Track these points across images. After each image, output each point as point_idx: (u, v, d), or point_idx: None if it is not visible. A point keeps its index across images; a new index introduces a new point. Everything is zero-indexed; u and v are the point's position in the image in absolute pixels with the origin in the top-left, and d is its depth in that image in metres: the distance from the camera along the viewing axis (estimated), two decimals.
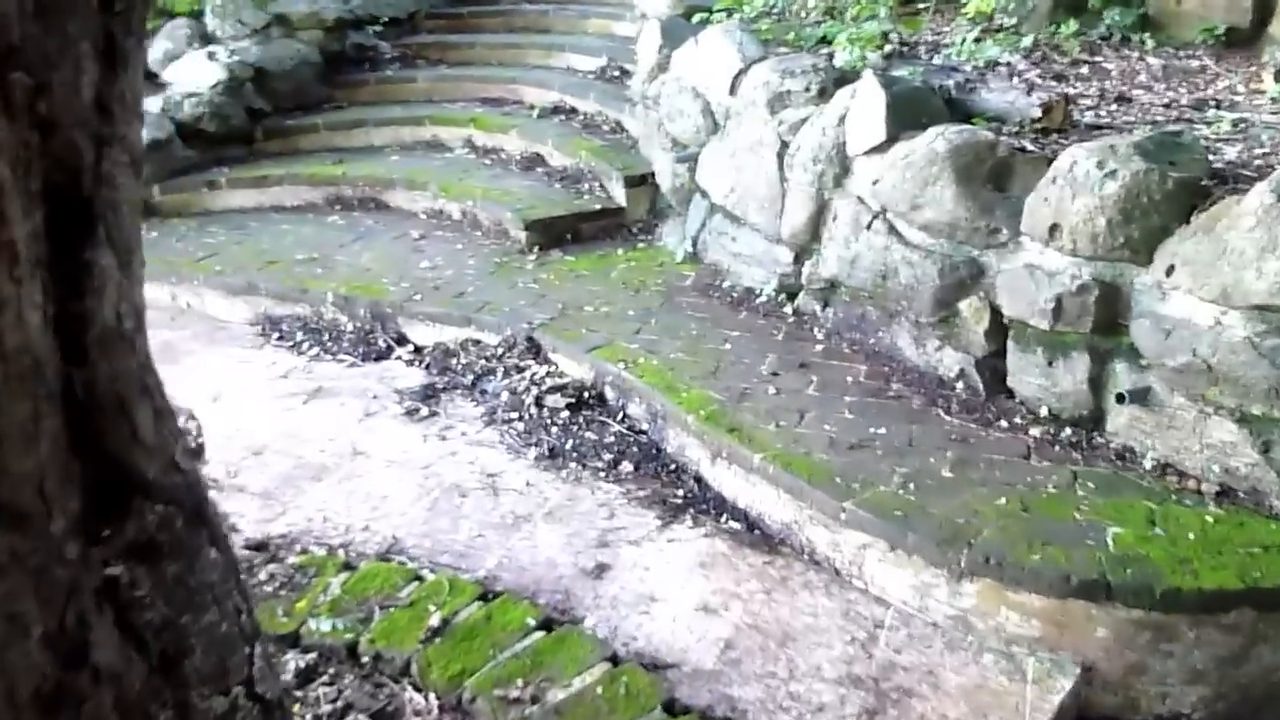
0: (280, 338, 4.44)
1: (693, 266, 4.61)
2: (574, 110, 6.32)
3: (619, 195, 5.27)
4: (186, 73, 6.04)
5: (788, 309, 4.08)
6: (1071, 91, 3.95)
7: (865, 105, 3.66)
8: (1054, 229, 3.04)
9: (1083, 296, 2.98)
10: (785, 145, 4.07)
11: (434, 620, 2.49)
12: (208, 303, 4.77)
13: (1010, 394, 3.28)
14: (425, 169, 5.84)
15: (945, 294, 3.35)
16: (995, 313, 3.26)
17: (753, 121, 4.28)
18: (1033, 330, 3.14)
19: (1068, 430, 3.07)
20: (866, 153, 3.67)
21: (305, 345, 4.34)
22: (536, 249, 4.95)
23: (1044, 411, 3.15)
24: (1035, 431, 3.11)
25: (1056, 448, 3.03)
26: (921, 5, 5.73)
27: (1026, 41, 4.55)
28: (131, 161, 0.97)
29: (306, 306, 4.55)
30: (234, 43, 6.34)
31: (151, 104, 5.81)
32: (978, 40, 4.60)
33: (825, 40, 5.44)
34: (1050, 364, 3.10)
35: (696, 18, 5.77)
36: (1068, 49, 4.50)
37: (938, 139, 3.35)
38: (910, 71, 4.06)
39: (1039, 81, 4.11)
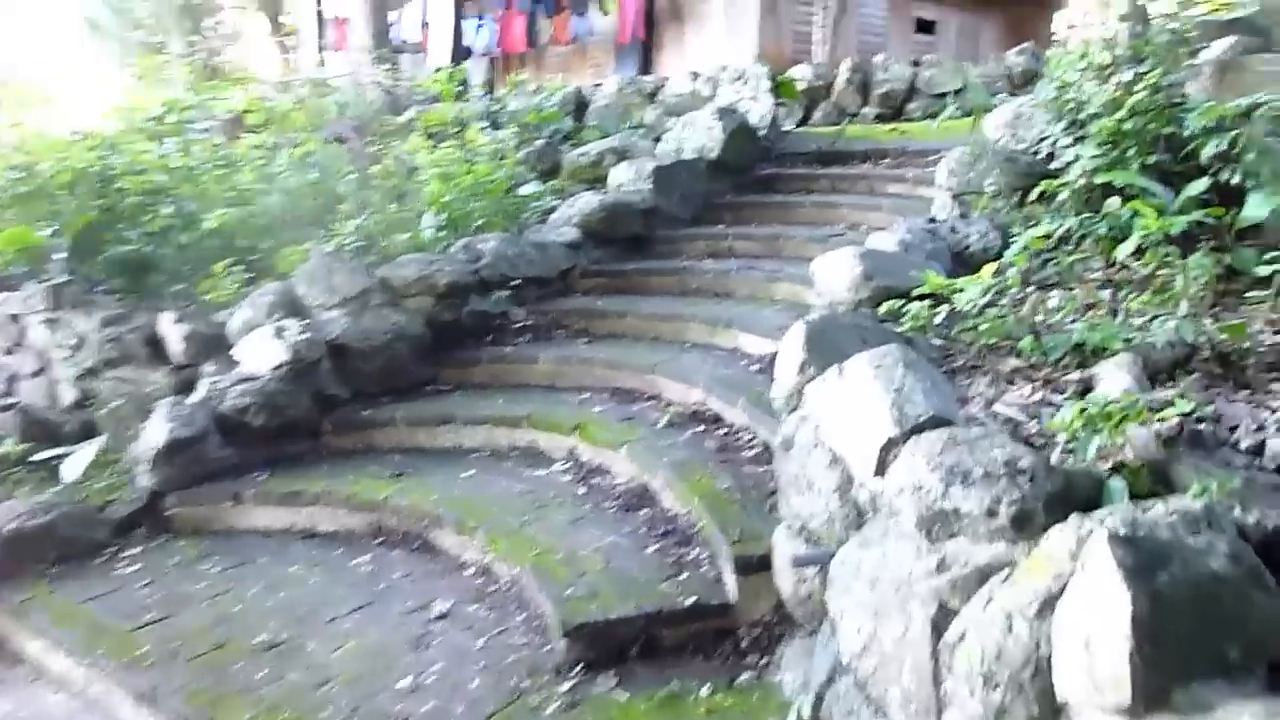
0: None
1: None
2: (716, 420, 4.80)
3: (729, 582, 3.59)
4: (250, 351, 5.21)
5: None
6: None
7: (1097, 599, 1.80)
8: None
9: None
10: (944, 614, 2.24)
11: None
12: (114, 702, 3.54)
13: None
14: (491, 499, 4.48)
15: None
16: None
17: (899, 541, 2.50)
18: None
19: None
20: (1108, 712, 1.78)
21: None
22: (579, 670, 3.35)
23: None
24: None
25: None
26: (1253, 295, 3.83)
27: None
28: None
29: None
30: (324, 313, 5.50)
31: (198, 391, 4.99)
32: None
33: (1083, 351, 3.67)
34: None
35: (886, 307, 4.17)
36: None
37: None
38: (1208, 493, 2.14)
39: None
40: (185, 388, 5.58)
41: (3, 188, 6.54)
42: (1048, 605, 1.95)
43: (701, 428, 4.78)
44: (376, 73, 12.20)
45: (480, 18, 18.06)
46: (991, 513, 2.23)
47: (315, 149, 7.38)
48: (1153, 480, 2.36)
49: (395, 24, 18.02)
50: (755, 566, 3.53)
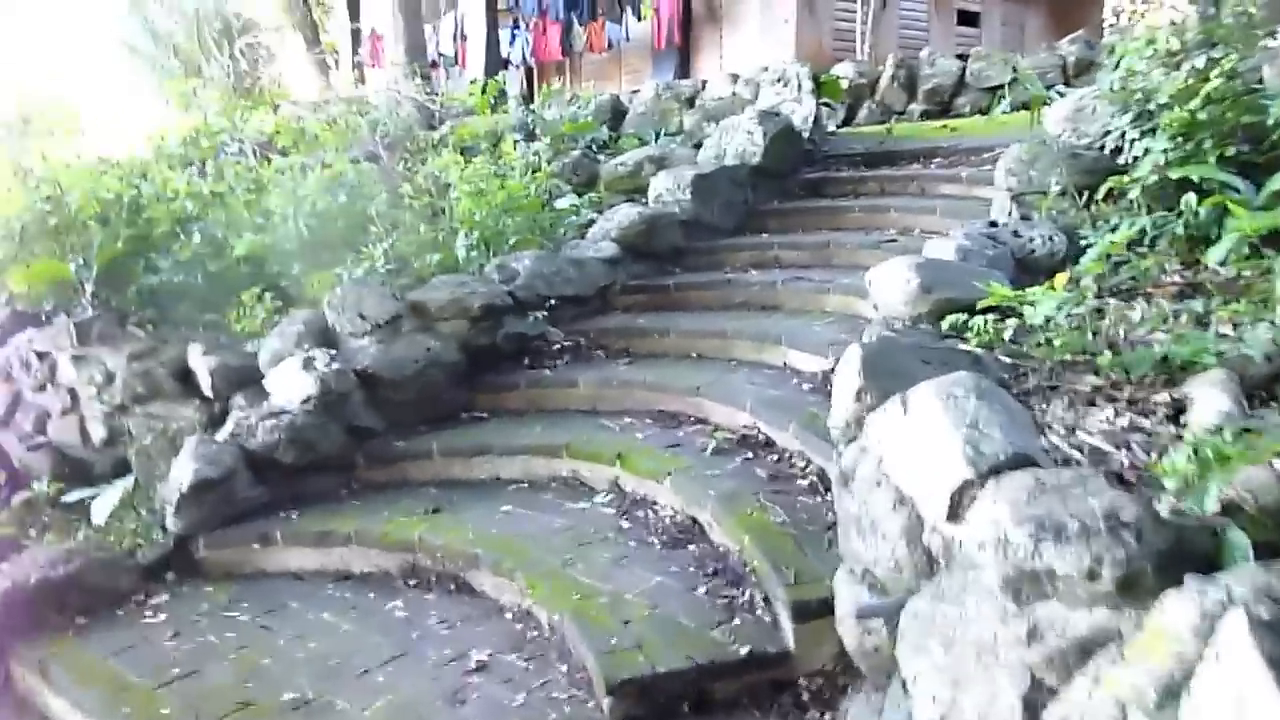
0: None
1: None
2: (767, 444, 4.54)
3: (786, 629, 3.33)
4: (279, 384, 5.04)
5: None
6: None
7: (1239, 706, 1.51)
8: None
9: None
10: (1038, 690, 1.97)
11: None
12: None
13: None
14: (530, 536, 4.26)
15: None
16: None
17: (980, 599, 2.22)
18: None
19: None
20: None
21: None
22: None
23: None
24: None
25: None
26: None
27: None
28: None
29: None
30: (354, 341, 5.31)
31: (226, 427, 4.83)
32: None
33: (1169, 366, 3.37)
34: None
35: (948, 321, 3.88)
36: None
37: None
38: None
39: None
40: (216, 422, 5.43)
41: (32, 220, 6.46)
42: (1169, 695, 1.66)
43: (751, 454, 4.51)
44: (410, 88, 12.09)
45: (515, 28, 17.94)
46: (1092, 575, 1.94)
47: (345, 169, 7.22)
48: (1276, 527, 2.06)
49: (432, 38, 17.98)
50: (814, 612, 3.26)
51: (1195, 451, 2.03)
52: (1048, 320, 3.60)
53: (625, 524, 4.33)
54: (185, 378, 5.65)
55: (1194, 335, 3.44)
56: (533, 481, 4.89)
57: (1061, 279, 3.70)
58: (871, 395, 3.21)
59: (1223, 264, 4.62)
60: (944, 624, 2.42)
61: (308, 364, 5.00)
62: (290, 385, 5.01)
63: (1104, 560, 1.94)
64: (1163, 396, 3.20)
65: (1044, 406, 3.33)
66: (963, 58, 11.70)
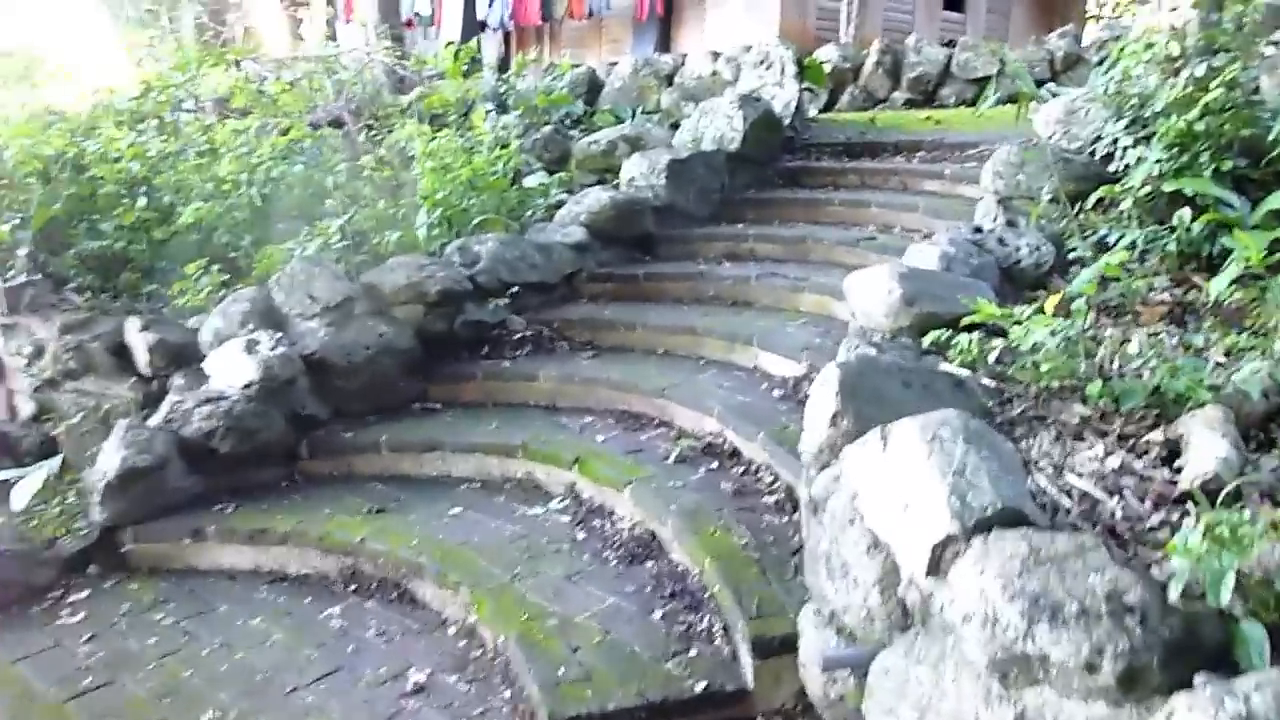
0: None
1: None
2: (733, 455, 4.32)
3: (746, 663, 3.13)
4: (220, 366, 4.74)
5: None
6: None
7: None
8: None
9: None
10: None
11: None
12: None
13: None
14: (479, 544, 4.03)
15: None
16: None
17: (961, 671, 2.02)
18: None
19: None
20: None
21: None
22: None
23: None
24: None
25: None
26: None
27: None
28: None
29: None
30: (302, 323, 5.02)
31: (160, 411, 4.54)
32: None
33: (1162, 398, 3.21)
34: None
35: (931, 337, 3.68)
36: None
37: None
38: None
39: None
40: (154, 401, 5.13)
41: None
42: None
43: (716, 464, 4.29)
44: (381, 49, 11.64)
45: None
46: (1091, 666, 1.74)
47: (303, 135, 6.87)
48: None
49: None
50: (776, 648, 3.07)
51: (1209, 530, 1.82)
52: (1035, 345, 3.40)
53: (581, 534, 4.10)
54: (121, 353, 5.32)
55: (1188, 366, 3.25)
56: (485, 481, 4.65)
57: (1053, 301, 3.50)
58: (848, 420, 3.00)
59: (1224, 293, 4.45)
60: (918, 690, 2.23)
61: (251, 347, 4.71)
62: (232, 369, 4.72)
63: (1105, 650, 1.74)
64: (1157, 436, 3.02)
65: (1030, 441, 3.15)
66: (949, 44, 11.47)
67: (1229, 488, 2.42)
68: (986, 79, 10.28)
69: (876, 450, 2.65)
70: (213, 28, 12.64)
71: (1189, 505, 2.51)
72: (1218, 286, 3.39)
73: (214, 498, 4.56)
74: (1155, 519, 2.63)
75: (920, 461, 2.42)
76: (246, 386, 4.63)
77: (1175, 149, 4.72)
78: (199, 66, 8.27)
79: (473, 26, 16.75)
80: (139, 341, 5.19)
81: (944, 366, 3.58)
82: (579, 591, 3.64)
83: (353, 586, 4.10)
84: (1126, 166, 5.03)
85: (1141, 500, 2.77)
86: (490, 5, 17.43)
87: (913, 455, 2.46)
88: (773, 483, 4.04)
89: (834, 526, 2.77)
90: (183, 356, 5.18)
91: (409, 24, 17.19)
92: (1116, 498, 2.72)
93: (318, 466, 4.82)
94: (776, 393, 4.70)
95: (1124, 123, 5.16)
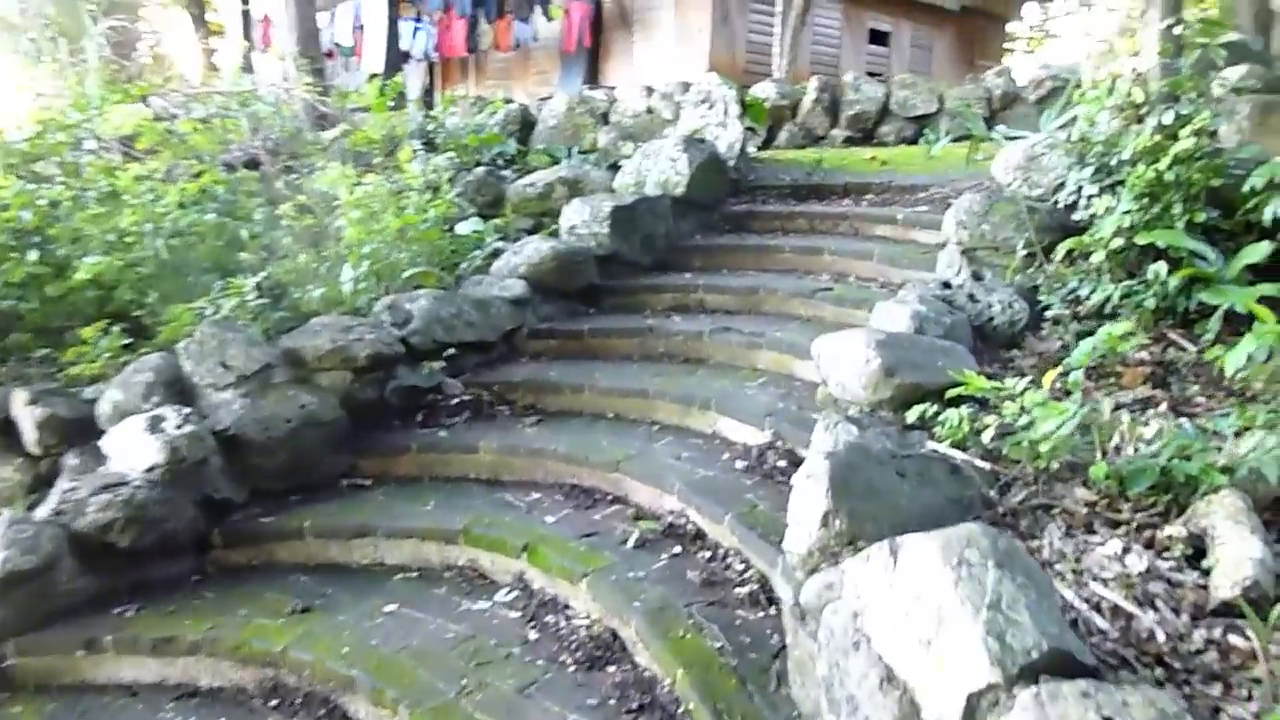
0: None
1: None
2: (698, 538, 3.98)
3: None
4: (120, 446, 4.24)
5: None
6: None
7: None
8: None
9: None
10: None
11: None
12: None
13: None
14: (418, 649, 3.60)
15: None
16: None
17: None
18: None
19: None
20: None
21: None
22: None
23: None
24: None
25: None
26: None
27: None
28: None
29: None
30: (215, 394, 4.55)
31: (48, 502, 4.03)
32: None
33: (1169, 480, 2.97)
34: None
35: (915, 412, 3.40)
36: None
37: None
38: None
39: None
40: (43, 483, 4.61)
41: None
42: None
43: (679, 549, 3.93)
44: (300, 81, 11.13)
45: (418, 20, 17.05)
46: None
47: (216, 180, 6.38)
48: None
49: (327, 26, 16.93)
50: None
51: None
52: (1031, 423, 3.13)
53: (533, 634, 3.70)
54: (7, 429, 4.77)
55: (1197, 446, 3.01)
56: (423, 570, 4.21)
57: (1050, 376, 3.24)
58: (841, 521, 2.69)
59: (1193, 341, 4.27)
60: None
61: (155, 424, 4.22)
62: (133, 449, 4.22)
63: None
64: (1177, 530, 2.76)
65: (1038, 533, 2.86)
66: (875, 75, 11.40)
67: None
68: (926, 117, 10.21)
69: (884, 567, 2.33)
70: (118, 61, 11.96)
71: (1232, 618, 2.25)
72: (1234, 363, 3.15)
73: (112, 599, 4.05)
74: (1198, 636, 2.36)
75: (945, 590, 2.09)
76: (150, 470, 4.14)
77: (1145, 199, 4.55)
78: (102, 103, 7.70)
79: (396, 58, 16.31)
80: (26, 416, 4.65)
81: (934, 446, 3.30)
82: (535, 708, 3.23)
83: (274, 702, 3.63)
84: (1093, 216, 4.85)
85: (1176, 612, 2.50)
86: (414, 36, 17.03)
87: (933, 580, 2.14)
88: (744, 571, 3.69)
89: (834, 649, 2.44)
90: (78, 431, 4.65)
91: (330, 55, 16.65)
92: (1150, 610, 2.44)
93: (233, 557, 4.34)
94: (739, 464, 4.36)
95: (1089, 170, 4.99)
